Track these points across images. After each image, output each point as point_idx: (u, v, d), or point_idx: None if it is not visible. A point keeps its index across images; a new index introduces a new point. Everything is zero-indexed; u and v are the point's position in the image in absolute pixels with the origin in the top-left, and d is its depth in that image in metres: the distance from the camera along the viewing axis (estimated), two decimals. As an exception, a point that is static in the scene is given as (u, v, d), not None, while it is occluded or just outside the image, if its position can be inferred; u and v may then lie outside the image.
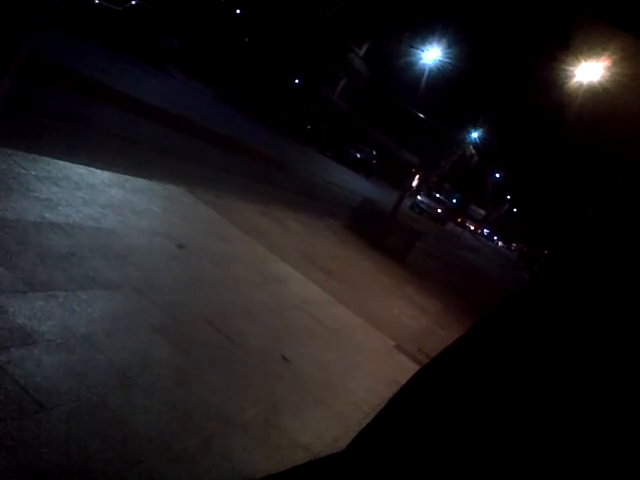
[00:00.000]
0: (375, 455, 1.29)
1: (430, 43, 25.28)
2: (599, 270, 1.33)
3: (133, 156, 6.37)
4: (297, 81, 31.03)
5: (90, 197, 3.99)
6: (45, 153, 4.28)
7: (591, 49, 4.76)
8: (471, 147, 46.84)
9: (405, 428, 1.30)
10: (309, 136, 27.27)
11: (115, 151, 6.07)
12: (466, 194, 47.50)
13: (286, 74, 30.08)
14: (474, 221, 52.98)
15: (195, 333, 3.07)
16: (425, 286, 9.02)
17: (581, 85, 5.79)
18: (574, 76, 6.08)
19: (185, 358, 2.76)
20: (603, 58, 4.60)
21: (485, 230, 58.53)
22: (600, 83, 5.00)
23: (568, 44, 4.88)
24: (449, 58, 25.49)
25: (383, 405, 1.39)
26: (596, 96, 5.20)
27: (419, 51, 25.97)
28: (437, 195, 33.57)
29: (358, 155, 30.97)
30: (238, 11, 29.18)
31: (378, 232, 9.58)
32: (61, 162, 4.29)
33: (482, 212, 59.90)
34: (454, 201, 38.85)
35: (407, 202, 24.84)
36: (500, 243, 64.03)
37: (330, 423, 2.99)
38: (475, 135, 40.45)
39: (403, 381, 1.41)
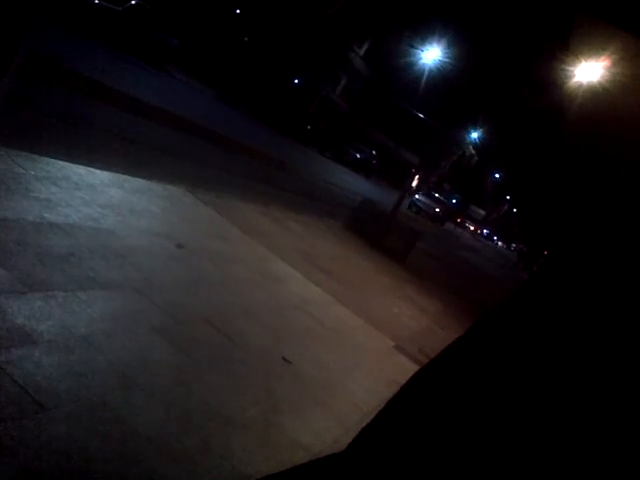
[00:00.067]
0: (375, 455, 1.29)
1: (430, 43, 25.30)
2: (599, 270, 1.33)
3: (133, 156, 6.37)
4: (297, 81, 31.04)
5: (89, 197, 3.99)
6: (44, 153, 4.27)
7: (591, 49, 4.76)
8: (471, 147, 46.86)
9: (405, 428, 1.29)
10: (309, 136, 27.27)
11: (115, 151, 6.07)
12: (466, 194, 47.50)
13: (286, 74, 30.09)
14: (474, 221, 52.99)
15: (195, 333, 3.07)
16: (425, 286, 9.02)
17: (581, 85, 5.79)
18: (574, 76, 6.08)
19: (185, 358, 2.76)
20: (603, 58, 4.60)
21: (485, 230, 58.53)
22: (600, 83, 5.00)
23: (568, 44, 4.88)
24: (449, 58, 25.51)
25: (383, 405, 1.39)
26: (596, 96, 5.20)
27: (419, 51, 25.99)
28: (436, 195, 33.34)
29: (358, 155, 30.96)
30: (238, 11, 29.19)
31: (378, 232, 9.58)
32: (60, 162, 4.29)
33: (482, 212, 59.92)
34: (454, 201, 38.81)
35: (406, 202, 24.81)
36: (500, 243, 64.06)
37: (330, 423, 2.99)
38: (475, 135, 40.46)
39: (403, 381, 1.40)
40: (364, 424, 1.36)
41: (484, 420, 1.19)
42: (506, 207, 67.06)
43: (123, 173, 5.02)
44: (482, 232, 56.46)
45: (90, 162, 4.72)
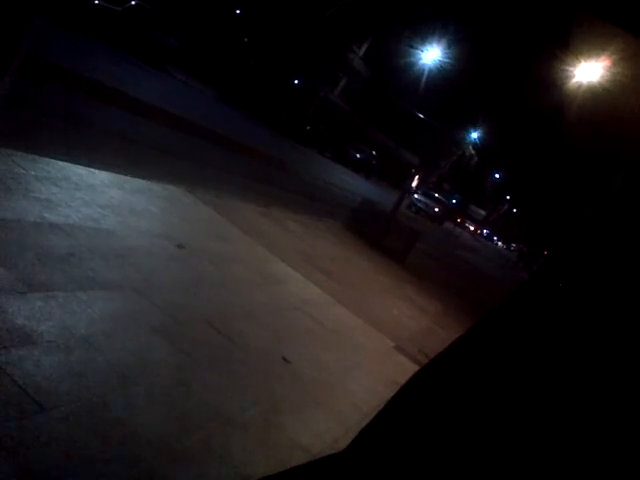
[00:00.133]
0: (375, 456, 1.29)
1: (430, 43, 25.31)
2: (598, 270, 1.33)
3: (133, 156, 6.36)
4: (296, 81, 31.04)
5: (89, 197, 3.99)
6: (44, 153, 4.27)
7: (591, 49, 4.76)
8: (471, 147, 46.86)
9: (405, 429, 1.29)
10: (309, 136, 27.27)
11: (115, 151, 6.07)
12: (466, 194, 47.49)
13: (285, 74, 30.08)
14: (474, 221, 52.95)
15: (195, 334, 3.07)
16: (425, 286, 9.01)
17: (581, 85, 5.79)
18: (574, 76, 6.08)
19: (185, 358, 2.75)
20: (603, 58, 4.60)
21: (485, 230, 58.51)
22: (600, 83, 5.00)
23: (568, 44, 4.88)
24: (449, 58, 25.52)
25: (383, 406, 1.39)
26: (596, 96, 5.20)
27: (419, 51, 26.01)
28: (435, 194, 33.19)
29: (358, 155, 30.93)
30: (238, 11, 29.20)
31: (378, 233, 9.58)
32: (60, 162, 4.29)
33: (482, 212, 59.91)
34: (454, 201, 38.77)
35: (405, 201, 24.78)
36: (500, 243, 64.03)
37: (330, 424, 2.99)
38: (475, 135, 40.46)
39: (403, 382, 1.40)
40: (364, 424, 1.36)
41: (484, 420, 1.19)
42: (506, 207, 67.07)
43: (123, 173, 5.02)
44: (482, 232, 56.43)
45: (90, 162, 4.72)
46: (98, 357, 2.35)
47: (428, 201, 31.11)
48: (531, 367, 1.25)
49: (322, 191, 14.62)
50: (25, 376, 2.00)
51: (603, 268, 1.32)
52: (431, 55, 25.39)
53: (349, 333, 4.72)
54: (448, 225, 36.14)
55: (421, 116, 34.43)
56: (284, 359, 3.38)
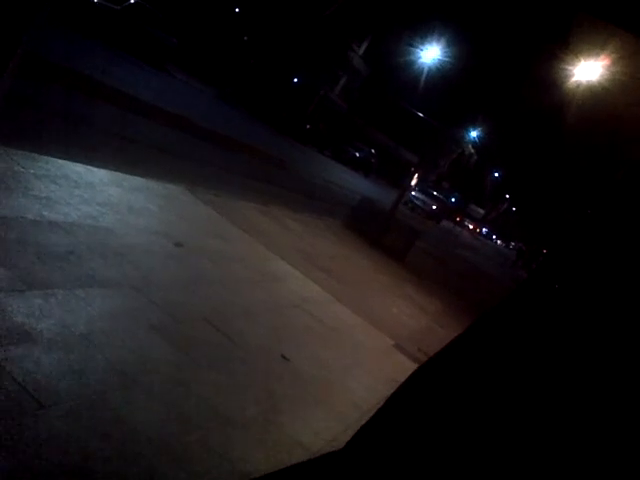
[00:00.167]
0: (374, 453, 1.29)
1: (429, 42, 25.27)
2: (597, 269, 1.33)
3: (132, 155, 6.36)
4: (296, 80, 31.02)
5: (89, 196, 3.99)
6: (44, 152, 4.27)
7: (590, 48, 4.76)
8: (470, 146, 46.88)
9: (404, 426, 1.30)
10: (308, 135, 27.26)
11: (114, 150, 6.06)
12: (465, 193, 47.51)
13: (285, 73, 30.07)
14: (473, 220, 52.98)
15: (194, 332, 3.07)
16: (424, 285, 9.02)
17: (580, 84, 5.79)
18: (573, 75, 6.08)
19: (184, 357, 2.76)
20: (602, 57, 4.60)
21: (484, 229, 58.55)
22: (599, 82, 5.00)
23: (568, 43, 4.88)
24: (448, 57, 25.48)
25: (382, 404, 1.39)
26: (595, 95, 5.20)
27: (418, 50, 25.97)
28: (433, 192, 32.99)
29: (357, 154, 30.91)
30: (237, 10, 29.16)
31: (377, 231, 9.58)
32: (60, 160, 4.29)
33: (481, 211, 59.94)
34: (453, 200, 38.75)
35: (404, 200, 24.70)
36: (499, 242, 64.08)
37: (329, 422, 2.99)
38: (474, 134, 40.47)
39: (402, 380, 1.40)
40: (363, 422, 1.37)
41: (482, 418, 1.20)
42: (505, 206, 67.11)
43: (122, 172, 5.02)
44: (481, 231, 56.46)
45: (89, 161, 4.71)
46: (97, 355, 2.35)
47: (425, 198, 30.95)
48: (530, 366, 1.25)
49: (322, 189, 14.62)
50: (25, 374, 2.00)
51: (602, 267, 1.32)
52: (431, 54, 25.35)
53: (349, 331, 4.72)
54: (447, 224, 36.14)
55: (420, 115, 34.42)
56: (283, 357, 3.38)
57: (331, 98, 35.59)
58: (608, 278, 1.27)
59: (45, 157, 4.17)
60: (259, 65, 28.35)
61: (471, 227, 50.23)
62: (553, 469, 1.10)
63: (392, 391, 1.39)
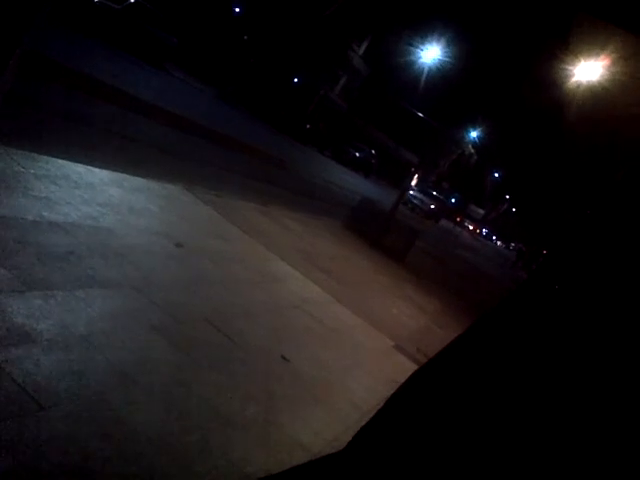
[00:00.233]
0: (374, 454, 1.29)
1: (429, 42, 25.30)
2: (597, 270, 1.33)
3: (132, 155, 6.36)
4: (296, 80, 31.03)
5: (89, 196, 3.99)
6: (44, 151, 4.27)
7: (590, 48, 4.76)
8: (470, 146, 46.88)
9: (404, 427, 1.30)
10: (308, 135, 27.27)
11: (114, 149, 6.06)
12: (465, 193, 47.53)
13: (285, 73, 30.07)
14: (473, 220, 52.99)
15: (194, 332, 3.07)
16: (424, 285, 9.02)
17: (580, 84, 5.79)
18: (573, 75, 6.08)
19: (184, 357, 2.76)
20: (602, 57, 4.60)
21: (484, 230, 58.56)
22: (599, 82, 5.00)
23: (568, 43, 4.88)
24: (448, 57, 25.51)
25: (382, 404, 1.39)
26: (595, 95, 5.20)
27: (418, 50, 25.99)
28: (431, 191, 32.96)
29: (357, 154, 30.91)
30: (237, 9, 29.16)
31: (377, 231, 9.58)
32: (60, 160, 4.29)
33: (481, 212, 59.97)
34: (453, 200, 38.75)
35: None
36: (499, 242, 64.09)
37: (329, 422, 2.99)
38: (474, 134, 40.48)
39: (402, 380, 1.40)
40: (363, 423, 1.37)
41: (482, 418, 1.20)
42: (505, 206, 67.12)
43: (122, 172, 5.01)
44: (481, 231, 56.47)
45: (89, 160, 4.71)
46: (97, 356, 2.35)
47: (424, 198, 30.92)
48: (530, 366, 1.25)
49: (322, 190, 14.61)
50: (24, 375, 2.00)
51: (602, 268, 1.32)
52: (431, 54, 25.38)
53: (349, 332, 4.72)
54: (447, 224, 36.13)
55: (420, 115, 34.43)
56: (283, 358, 3.38)
57: (331, 98, 35.59)
58: (608, 278, 1.27)
59: (45, 157, 4.17)
60: (259, 65, 28.35)
61: (471, 228, 50.24)
62: (553, 469, 1.10)
63: (392, 392, 1.39)
